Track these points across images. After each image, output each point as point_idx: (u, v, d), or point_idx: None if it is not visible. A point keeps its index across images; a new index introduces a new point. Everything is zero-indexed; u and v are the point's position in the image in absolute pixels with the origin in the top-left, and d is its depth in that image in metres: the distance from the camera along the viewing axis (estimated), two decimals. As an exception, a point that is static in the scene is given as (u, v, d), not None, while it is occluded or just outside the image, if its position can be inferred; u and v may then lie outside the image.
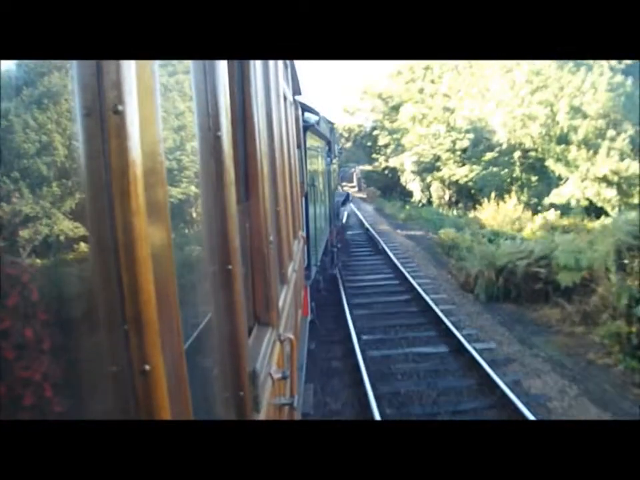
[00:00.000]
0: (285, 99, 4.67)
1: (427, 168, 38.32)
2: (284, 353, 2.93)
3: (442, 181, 37.63)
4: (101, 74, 0.85)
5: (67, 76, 0.87)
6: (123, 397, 0.87)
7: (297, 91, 7.47)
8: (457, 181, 35.34)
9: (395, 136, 42.54)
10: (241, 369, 1.70)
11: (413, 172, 40.19)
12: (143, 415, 0.88)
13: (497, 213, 26.64)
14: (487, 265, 13.28)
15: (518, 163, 31.89)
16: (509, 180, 32.48)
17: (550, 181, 30.20)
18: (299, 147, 7.25)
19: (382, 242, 21.30)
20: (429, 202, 39.33)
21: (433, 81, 38.97)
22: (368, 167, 50.82)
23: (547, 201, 28.70)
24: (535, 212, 27.13)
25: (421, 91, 40.58)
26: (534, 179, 31.51)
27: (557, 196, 28.35)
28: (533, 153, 30.95)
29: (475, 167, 33.92)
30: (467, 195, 36.07)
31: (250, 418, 1.73)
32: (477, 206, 32.34)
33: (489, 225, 24.89)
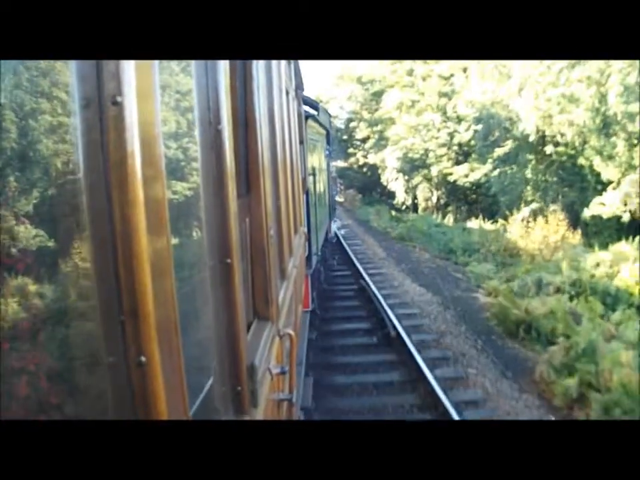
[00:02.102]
0: (288, 93, 4.66)
1: (417, 165, 31.91)
2: (283, 349, 2.93)
3: (428, 179, 32.13)
4: (100, 65, 0.85)
5: (66, 66, 0.87)
6: (120, 387, 0.87)
7: (299, 85, 7.46)
8: (454, 181, 29.53)
9: (375, 128, 36.05)
10: (239, 364, 1.70)
11: (397, 170, 33.73)
12: (139, 405, 0.88)
13: (529, 232, 18.63)
14: None
15: (546, 162, 23.85)
16: (537, 183, 23.90)
17: (584, 186, 22.32)
18: (301, 142, 7.25)
19: (386, 305, 11.08)
20: (414, 205, 33.78)
21: (425, 61, 31.16)
22: (343, 164, 43.38)
23: (586, 212, 21.10)
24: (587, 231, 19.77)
25: (410, 72, 33.10)
26: (562, 182, 23.30)
27: (599, 206, 20.56)
28: (561, 149, 22.98)
29: (476, 164, 27.39)
30: (461, 198, 30.56)
31: (248, 412, 1.73)
32: (476, 211, 26.55)
33: (523, 251, 17.07)
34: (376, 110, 36.46)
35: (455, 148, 30.05)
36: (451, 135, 29.96)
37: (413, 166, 32.36)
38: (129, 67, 0.88)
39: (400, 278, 14.89)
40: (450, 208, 30.97)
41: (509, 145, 24.92)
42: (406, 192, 34.41)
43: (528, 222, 19.67)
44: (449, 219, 28.40)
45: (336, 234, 19.77)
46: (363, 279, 13.79)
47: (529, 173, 24.36)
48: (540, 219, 19.73)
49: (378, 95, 36.53)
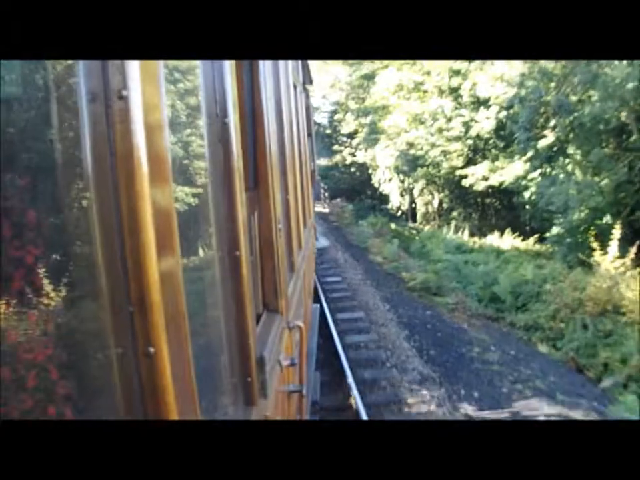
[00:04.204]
0: (295, 87, 4.65)
1: (419, 164, 24.84)
2: (293, 341, 2.95)
3: (432, 181, 25.77)
4: (106, 60, 0.86)
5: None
6: (128, 378, 0.88)
7: (307, 79, 7.45)
8: (470, 184, 22.57)
9: (364, 120, 28.96)
10: (249, 355, 1.71)
11: (391, 169, 27.15)
12: (147, 396, 0.89)
13: (634, 276, 11.00)
14: None
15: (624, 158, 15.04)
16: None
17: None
18: (309, 135, 7.24)
19: None
20: (413, 210, 28.14)
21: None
22: (326, 163, 35.40)
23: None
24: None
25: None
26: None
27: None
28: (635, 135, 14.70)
29: (500, 163, 20.50)
30: (471, 203, 25.06)
31: (257, 403, 1.74)
32: (490, 218, 21.69)
33: (624, 308, 10.16)
34: (364, 98, 29.99)
35: (470, 142, 23.32)
36: (467, 126, 22.92)
37: (414, 165, 25.28)
38: (133, 60, 0.89)
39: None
40: (454, 214, 25.36)
41: (552, 136, 17.13)
42: (401, 195, 28.49)
43: (637, 259, 11.80)
44: (463, 232, 22.41)
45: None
46: None
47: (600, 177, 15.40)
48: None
49: (367, 79, 29.43)
